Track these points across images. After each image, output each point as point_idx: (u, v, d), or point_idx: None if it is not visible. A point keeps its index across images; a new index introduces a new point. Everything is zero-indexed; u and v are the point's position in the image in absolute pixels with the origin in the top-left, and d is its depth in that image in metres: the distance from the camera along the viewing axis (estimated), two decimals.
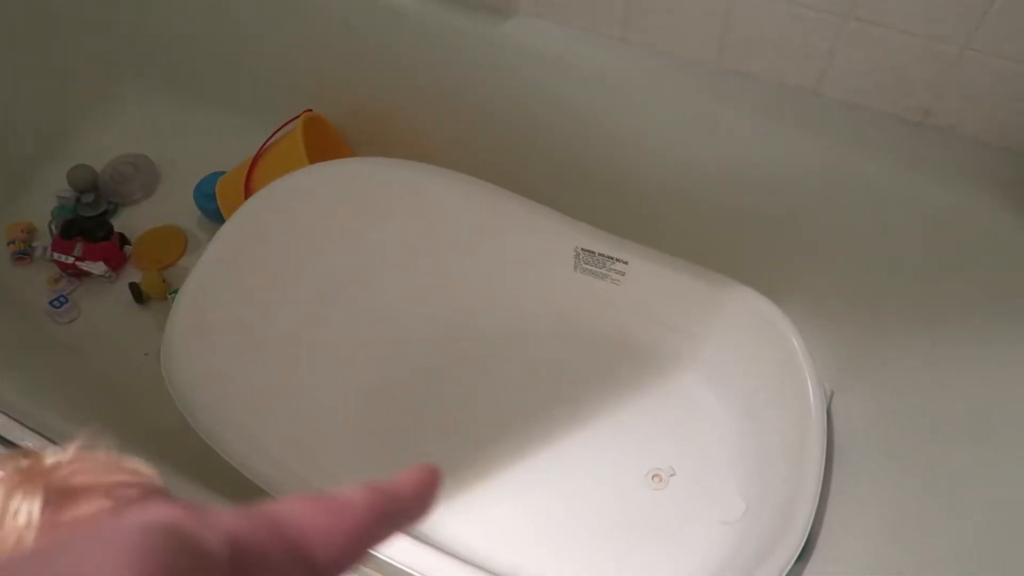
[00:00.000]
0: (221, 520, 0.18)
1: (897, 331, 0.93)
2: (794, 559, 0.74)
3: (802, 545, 0.75)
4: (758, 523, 0.85)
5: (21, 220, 1.27)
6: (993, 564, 0.62)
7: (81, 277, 1.21)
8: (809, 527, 0.76)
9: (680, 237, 1.02)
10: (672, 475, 0.94)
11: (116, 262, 1.22)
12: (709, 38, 0.91)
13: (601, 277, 0.98)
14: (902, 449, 0.83)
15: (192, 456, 0.77)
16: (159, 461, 0.35)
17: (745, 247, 1.04)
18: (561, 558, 0.89)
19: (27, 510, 0.28)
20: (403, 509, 0.24)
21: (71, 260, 1.19)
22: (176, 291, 1.13)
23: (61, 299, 1.17)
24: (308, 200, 0.98)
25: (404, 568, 0.70)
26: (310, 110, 1.20)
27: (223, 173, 1.23)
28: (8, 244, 1.24)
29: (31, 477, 0.29)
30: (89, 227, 1.22)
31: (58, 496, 0.29)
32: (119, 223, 1.28)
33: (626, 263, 0.95)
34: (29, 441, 0.72)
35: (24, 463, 0.30)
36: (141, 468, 0.33)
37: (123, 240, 1.24)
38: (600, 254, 0.96)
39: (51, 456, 0.31)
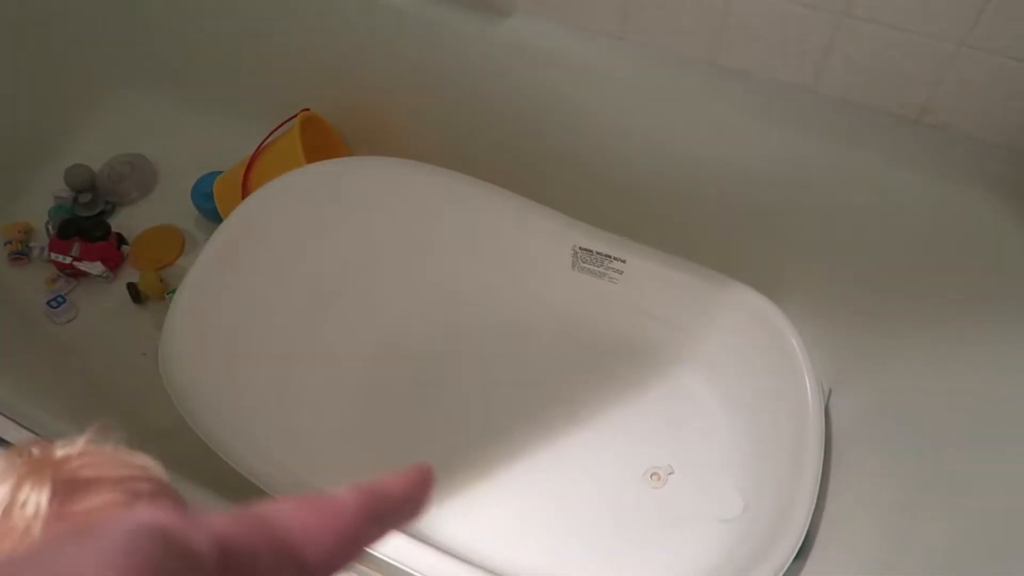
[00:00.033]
0: (209, 522, 0.18)
1: (895, 329, 0.93)
2: (792, 557, 0.74)
3: (800, 543, 0.75)
4: (756, 521, 0.85)
5: (18, 220, 1.27)
6: (991, 562, 0.62)
7: (79, 277, 1.21)
8: (807, 525, 0.76)
9: (678, 235, 1.02)
10: (670, 473, 0.94)
11: (114, 262, 1.22)
12: (705, 35, 0.91)
13: (599, 276, 0.98)
14: (900, 447, 0.83)
15: (190, 456, 0.77)
16: (157, 461, 0.35)
17: (743, 245, 1.04)
18: (560, 556, 0.89)
19: (35, 500, 0.28)
20: (395, 509, 0.24)
21: (68, 260, 1.18)
22: (174, 291, 1.13)
23: (59, 299, 1.17)
24: (306, 199, 0.98)
25: (403, 567, 0.70)
26: (307, 109, 1.20)
27: (220, 173, 1.23)
28: (5, 244, 1.24)
29: (40, 468, 0.30)
30: (86, 227, 1.22)
31: (66, 488, 0.29)
32: (116, 223, 1.27)
33: (624, 262, 0.95)
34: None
35: (34, 454, 0.31)
36: (148, 463, 0.34)
37: (120, 240, 1.24)
38: (598, 253, 0.96)
39: (60, 448, 0.31)
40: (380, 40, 1.10)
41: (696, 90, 0.94)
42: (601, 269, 0.97)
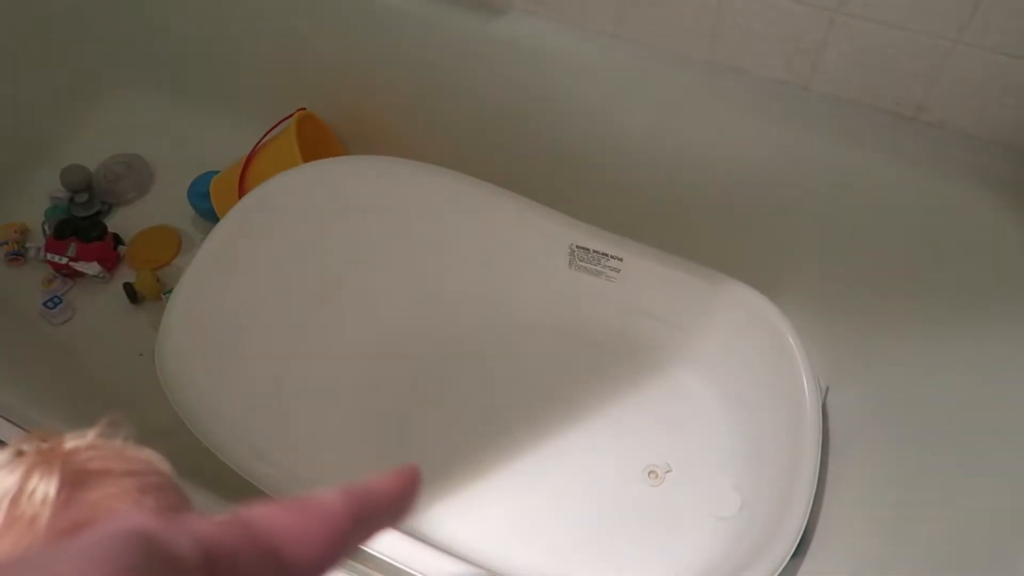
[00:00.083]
0: (193, 526, 0.19)
1: (892, 326, 0.93)
2: (790, 554, 0.74)
3: (798, 540, 0.75)
4: (754, 519, 0.86)
5: (14, 221, 1.27)
6: (988, 559, 0.63)
7: (75, 278, 1.21)
8: (805, 522, 0.76)
9: (674, 233, 1.02)
10: (668, 471, 0.94)
11: (110, 262, 1.21)
12: (700, 33, 0.91)
13: (596, 274, 0.98)
14: (897, 444, 0.83)
15: (187, 456, 0.76)
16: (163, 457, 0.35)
17: (739, 243, 1.04)
18: (558, 555, 0.89)
19: (44, 490, 0.29)
20: (382, 511, 0.24)
21: (65, 261, 1.18)
22: (171, 291, 1.13)
23: (55, 300, 1.17)
24: (302, 199, 0.98)
25: (401, 566, 0.70)
26: (304, 108, 1.20)
27: (217, 172, 1.23)
28: (1, 245, 1.24)
29: (50, 459, 0.30)
30: (83, 227, 1.22)
31: (74, 479, 0.30)
32: (113, 223, 1.27)
33: (621, 260, 0.95)
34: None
35: (44, 445, 0.31)
36: (155, 459, 0.34)
37: (117, 240, 1.24)
38: (595, 251, 0.96)
39: (70, 441, 0.32)
40: (376, 39, 1.10)
41: (692, 88, 0.94)
42: (598, 268, 0.97)
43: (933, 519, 0.71)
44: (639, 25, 0.94)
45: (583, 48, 0.97)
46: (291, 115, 1.17)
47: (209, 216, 1.23)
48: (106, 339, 1.15)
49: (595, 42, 0.97)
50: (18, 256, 1.23)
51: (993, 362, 0.77)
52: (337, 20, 1.10)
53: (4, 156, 1.30)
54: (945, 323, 0.85)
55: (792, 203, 0.97)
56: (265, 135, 1.18)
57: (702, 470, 0.94)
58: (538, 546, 0.90)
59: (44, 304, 1.17)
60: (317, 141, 1.19)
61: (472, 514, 0.92)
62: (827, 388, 0.95)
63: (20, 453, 0.31)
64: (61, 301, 1.17)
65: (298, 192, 0.98)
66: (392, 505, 0.25)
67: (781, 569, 0.74)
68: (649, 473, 0.94)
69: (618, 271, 0.96)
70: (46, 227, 1.26)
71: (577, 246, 0.96)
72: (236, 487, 0.77)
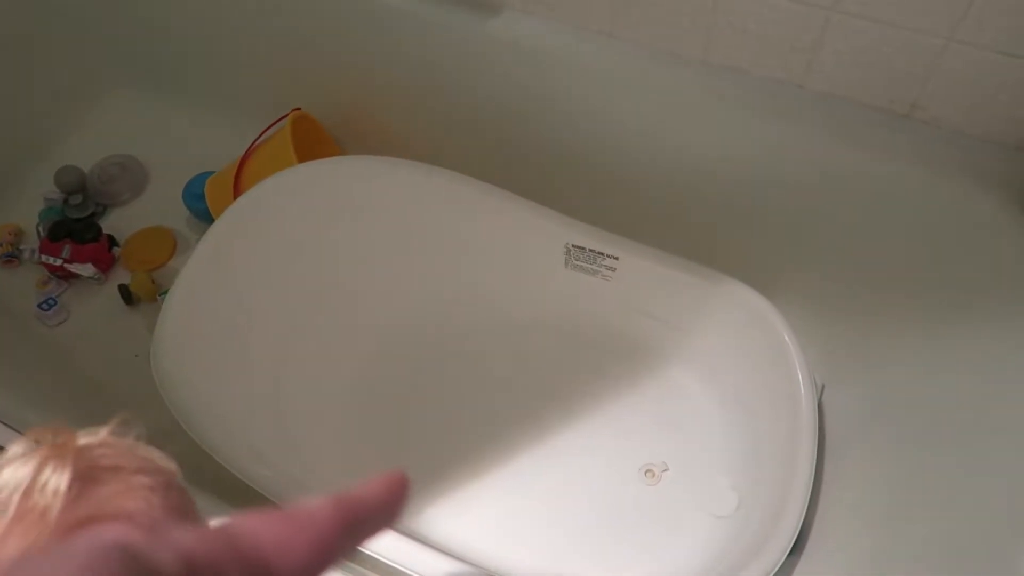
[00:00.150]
0: (175, 538, 0.19)
1: (888, 325, 0.93)
2: (787, 552, 0.74)
3: (795, 538, 0.75)
4: (751, 517, 0.86)
5: (8, 222, 1.26)
6: (985, 559, 0.63)
7: (70, 279, 1.21)
8: (802, 520, 0.76)
9: (670, 232, 1.02)
10: (665, 470, 0.94)
11: (105, 264, 1.21)
12: (695, 31, 0.91)
13: (592, 273, 0.98)
14: (894, 442, 0.83)
15: (185, 458, 0.76)
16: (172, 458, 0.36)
17: (735, 241, 1.04)
18: (555, 554, 0.89)
19: (55, 483, 0.29)
20: (370, 518, 0.24)
21: (59, 262, 1.18)
22: (166, 292, 1.13)
23: (50, 301, 1.17)
24: (297, 199, 0.98)
25: (399, 567, 0.70)
26: (299, 108, 1.19)
27: (212, 173, 1.23)
28: None
29: (63, 452, 0.30)
30: (77, 229, 1.21)
31: (85, 474, 0.30)
32: (107, 224, 1.27)
33: (617, 259, 0.95)
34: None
35: (58, 439, 0.31)
36: (163, 460, 0.35)
37: (112, 241, 1.24)
38: (591, 250, 0.96)
39: (83, 437, 0.32)
40: (371, 39, 1.09)
41: (687, 86, 0.94)
42: (594, 267, 0.97)
43: (930, 519, 0.71)
44: (636, 25, 0.94)
45: (578, 47, 0.97)
46: (286, 115, 1.16)
47: (204, 217, 1.23)
48: (101, 341, 1.15)
49: (593, 42, 0.97)
50: (12, 258, 1.23)
51: (991, 361, 0.77)
52: (336, 20, 1.10)
53: None
54: (943, 322, 0.86)
55: (788, 201, 0.97)
56: (260, 135, 1.18)
57: (699, 469, 0.94)
58: (536, 545, 0.90)
59: (39, 306, 1.16)
60: (312, 141, 1.19)
61: (470, 514, 0.92)
62: (823, 386, 0.95)
63: (34, 446, 0.31)
64: (56, 303, 1.17)
65: (294, 192, 0.98)
66: (380, 512, 0.25)
67: (778, 568, 0.74)
68: (646, 472, 0.94)
69: (614, 270, 0.97)
70: (40, 229, 1.25)
71: (573, 245, 0.96)
72: (235, 489, 0.77)
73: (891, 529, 0.74)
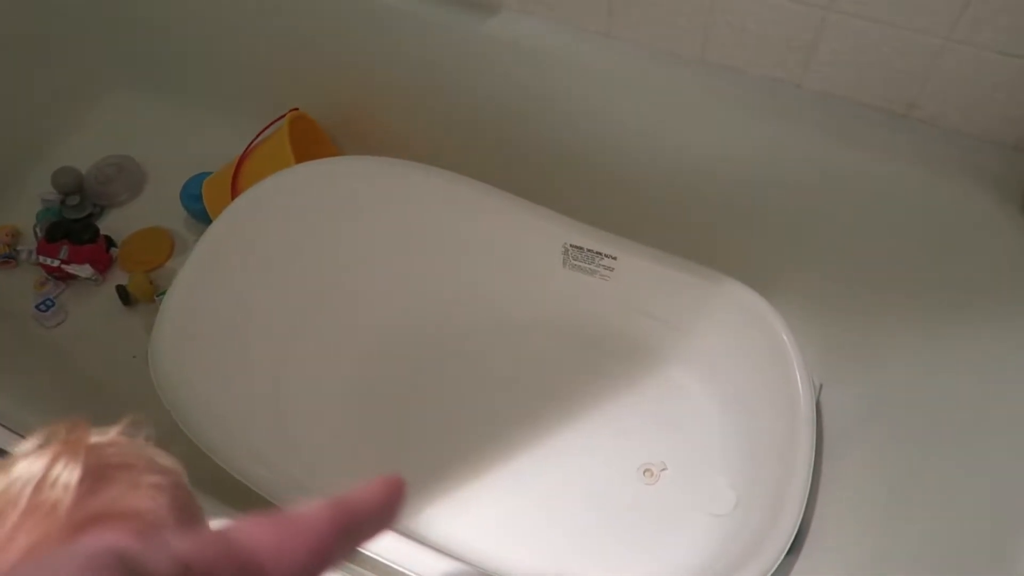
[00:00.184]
0: (171, 545, 0.19)
1: (886, 324, 0.93)
2: (785, 551, 0.74)
3: (792, 537, 0.75)
4: (749, 516, 0.86)
5: (5, 223, 1.26)
6: (983, 559, 0.63)
7: (67, 280, 1.20)
8: (799, 520, 0.76)
9: (668, 232, 1.02)
10: (663, 470, 0.94)
11: (102, 264, 1.21)
12: (692, 31, 0.91)
13: (590, 273, 0.98)
14: (892, 442, 0.83)
15: (184, 459, 0.76)
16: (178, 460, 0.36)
17: (733, 241, 1.04)
18: (554, 553, 0.89)
19: (67, 478, 0.29)
20: (365, 522, 0.24)
21: (57, 263, 1.18)
22: (163, 293, 1.13)
23: (47, 303, 1.17)
24: (295, 199, 0.98)
25: (397, 567, 0.70)
26: (296, 109, 1.19)
27: (209, 174, 1.22)
28: None
29: (75, 449, 0.30)
30: (75, 229, 1.21)
31: (95, 472, 0.30)
32: (105, 225, 1.27)
33: (615, 259, 0.95)
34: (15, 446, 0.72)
35: (71, 435, 0.32)
36: (170, 461, 0.35)
37: (109, 242, 1.24)
38: (589, 250, 0.96)
39: (95, 435, 0.33)
40: (369, 39, 1.09)
41: (684, 86, 0.94)
42: (592, 266, 0.97)
43: (928, 518, 0.71)
44: (631, 23, 0.94)
45: (575, 47, 0.97)
46: (283, 116, 1.16)
47: (202, 218, 1.23)
48: (99, 342, 1.15)
49: (592, 42, 0.97)
50: (10, 259, 1.23)
51: (990, 361, 0.77)
52: (335, 20, 1.10)
53: None
54: (941, 322, 0.86)
55: (787, 201, 0.97)
56: (258, 136, 1.18)
57: (697, 468, 0.94)
58: (535, 545, 0.90)
59: (37, 307, 1.16)
60: (310, 141, 1.19)
61: (468, 513, 0.92)
62: (821, 385, 0.95)
63: (48, 441, 0.31)
64: (54, 304, 1.17)
65: (292, 193, 0.98)
66: (376, 516, 0.25)
67: (775, 567, 0.74)
68: (644, 472, 0.94)
69: (612, 270, 0.97)
70: (38, 229, 1.25)
71: (571, 245, 0.96)
72: (234, 490, 0.77)
73: (889, 529, 0.75)
